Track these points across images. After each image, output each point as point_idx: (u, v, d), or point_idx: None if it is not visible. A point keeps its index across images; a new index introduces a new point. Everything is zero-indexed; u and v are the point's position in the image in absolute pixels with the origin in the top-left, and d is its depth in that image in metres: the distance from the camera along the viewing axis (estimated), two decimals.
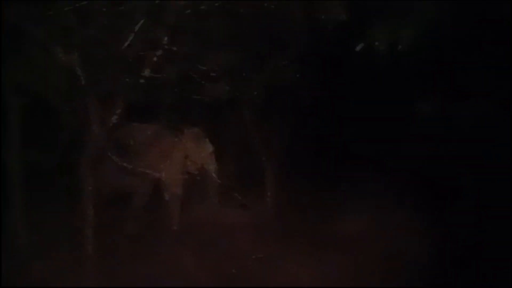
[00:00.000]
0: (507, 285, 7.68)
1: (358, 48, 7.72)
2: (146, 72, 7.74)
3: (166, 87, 7.99)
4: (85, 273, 8.13)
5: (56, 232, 8.78)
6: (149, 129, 9.04)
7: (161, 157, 9.56)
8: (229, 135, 10.83)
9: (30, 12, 7.30)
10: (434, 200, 9.77)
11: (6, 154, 8.70)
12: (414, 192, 9.95)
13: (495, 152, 9.52)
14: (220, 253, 9.13)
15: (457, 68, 9.90)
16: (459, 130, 10.12)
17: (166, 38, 7.74)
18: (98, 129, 7.76)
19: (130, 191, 9.79)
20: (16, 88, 8.27)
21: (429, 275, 8.15)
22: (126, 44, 7.50)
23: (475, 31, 9.26)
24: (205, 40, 8.20)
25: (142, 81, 7.73)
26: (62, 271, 8.12)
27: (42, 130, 9.08)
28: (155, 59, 7.78)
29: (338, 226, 9.90)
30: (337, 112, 10.91)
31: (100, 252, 8.31)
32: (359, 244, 9.36)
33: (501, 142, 9.43)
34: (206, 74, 8.13)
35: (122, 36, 7.53)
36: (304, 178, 11.02)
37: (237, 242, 9.47)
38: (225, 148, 10.75)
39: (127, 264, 8.63)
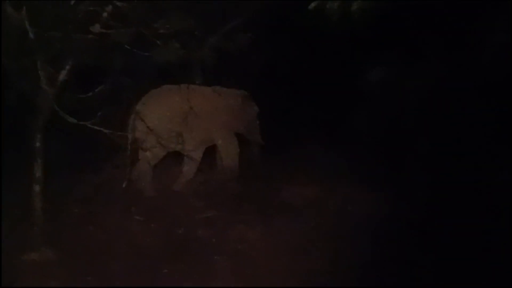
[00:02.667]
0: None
1: (311, 6, 7.71)
2: (96, 28, 7.65)
3: (116, 45, 7.88)
4: (33, 236, 8.07)
5: (5, 193, 8.66)
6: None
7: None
8: None
9: None
10: (388, 166, 9.83)
11: None
12: (367, 158, 10.07)
13: (450, 116, 9.67)
14: (168, 216, 9.16)
15: (410, 32, 10.02)
16: (413, 94, 10.22)
17: None
18: (47, 87, 7.67)
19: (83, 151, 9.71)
20: None
21: (382, 240, 8.18)
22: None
23: None
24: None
25: (91, 36, 7.64)
26: (11, 233, 8.06)
27: None
28: (105, 14, 7.70)
29: (290, 192, 9.94)
30: (289, 76, 10.91)
31: (49, 215, 8.26)
32: (310, 209, 9.43)
33: (455, 105, 9.58)
34: (158, 33, 8.03)
35: None
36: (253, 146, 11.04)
37: (186, 206, 9.52)
38: None
39: (74, 227, 8.64)
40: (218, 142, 10.47)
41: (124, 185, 9.77)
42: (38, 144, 7.91)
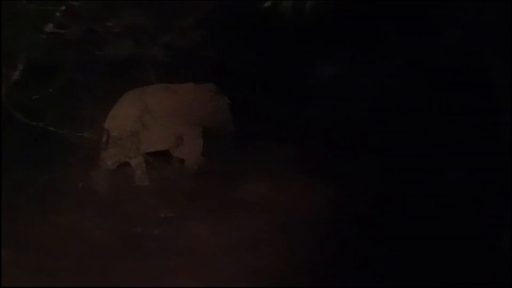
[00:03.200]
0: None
1: (266, 4, 7.76)
2: (49, 28, 7.61)
3: (70, 44, 7.85)
4: None
5: None
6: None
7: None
8: None
9: None
10: (340, 162, 9.94)
11: None
12: (319, 154, 10.14)
13: (402, 112, 9.81)
14: (124, 213, 9.16)
15: (362, 30, 10.14)
16: (365, 90, 10.34)
17: None
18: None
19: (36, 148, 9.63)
20: None
21: (333, 236, 8.36)
22: None
23: None
24: None
25: (44, 36, 7.59)
26: None
27: None
28: (58, 14, 7.65)
29: (242, 188, 10.00)
30: (241, 72, 10.94)
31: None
32: (262, 205, 9.52)
33: (407, 101, 9.73)
34: (111, 30, 8.03)
35: None
36: (209, 143, 11.05)
37: (140, 204, 9.51)
38: None
39: (28, 226, 8.55)
40: (183, 138, 10.50)
41: (80, 185, 9.83)
42: None
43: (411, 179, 9.17)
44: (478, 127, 9.38)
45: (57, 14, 7.65)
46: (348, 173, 9.73)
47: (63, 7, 7.64)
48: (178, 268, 7.92)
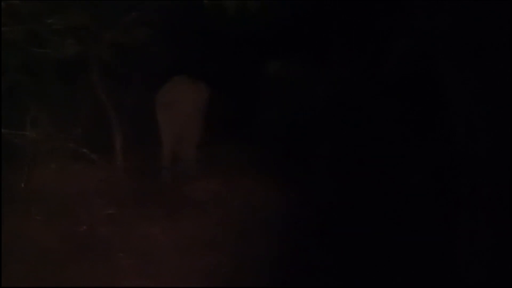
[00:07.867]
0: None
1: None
2: None
3: (11, 43, 7.72)
4: None
5: None
6: None
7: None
8: (77, 94, 10.54)
9: None
10: (290, 164, 10.02)
11: None
12: (270, 155, 10.16)
13: (355, 118, 9.88)
14: (71, 213, 8.98)
15: (314, 34, 10.18)
16: (316, 95, 10.38)
17: None
18: None
19: None
20: None
21: (286, 236, 8.32)
22: None
23: None
24: None
25: None
26: None
27: None
28: None
29: (193, 187, 10.00)
30: (189, 72, 10.89)
31: None
32: (214, 203, 9.48)
33: (358, 107, 9.80)
34: (52, 29, 7.91)
35: None
36: (154, 141, 10.98)
37: (90, 203, 9.35)
38: (73, 109, 10.48)
39: None
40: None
41: (23, 185, 9.62)
42: None
43: (364, 184, 9.22)
44: (432, 135, 9.45)
45: None
46: (302, 176, 9.80)
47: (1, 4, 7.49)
48: (130, 268, 7.78)
